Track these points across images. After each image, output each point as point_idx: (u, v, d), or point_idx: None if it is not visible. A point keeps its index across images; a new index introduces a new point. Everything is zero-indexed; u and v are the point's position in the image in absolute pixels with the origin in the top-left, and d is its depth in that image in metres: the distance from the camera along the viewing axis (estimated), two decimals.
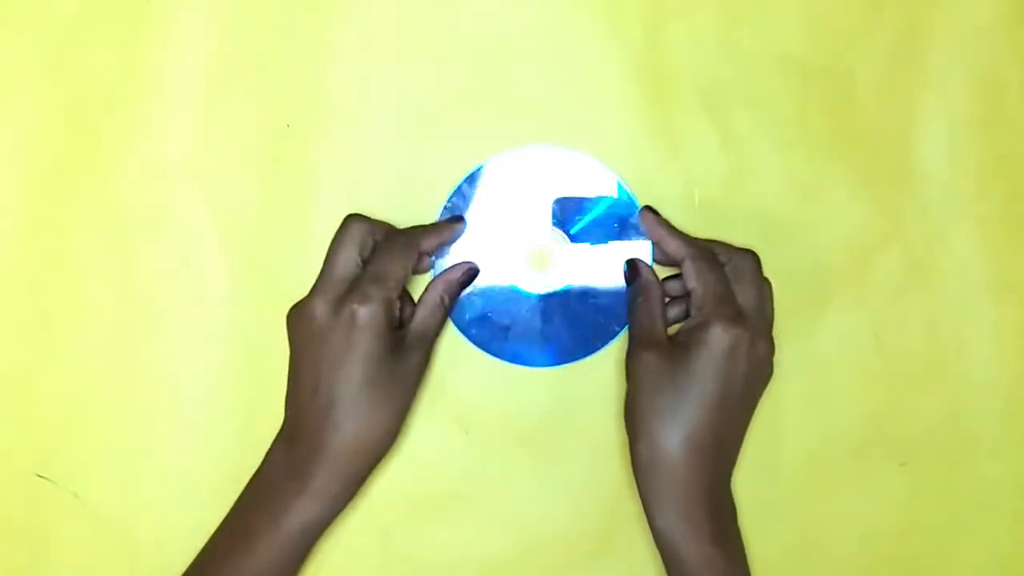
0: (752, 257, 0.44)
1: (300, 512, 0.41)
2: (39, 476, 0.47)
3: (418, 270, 0.47)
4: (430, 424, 0.48)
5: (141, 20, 0.48)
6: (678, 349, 0.42)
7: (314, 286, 0.43)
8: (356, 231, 0.43)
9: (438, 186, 0.48)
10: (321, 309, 0.42)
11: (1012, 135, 0.49)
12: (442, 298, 0.45)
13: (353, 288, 0.42)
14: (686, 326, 0.43)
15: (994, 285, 0.49)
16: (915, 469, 0.48)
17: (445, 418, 0.48)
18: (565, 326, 0.48)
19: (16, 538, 0.47)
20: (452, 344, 0.48)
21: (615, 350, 0.48)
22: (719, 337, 0.41)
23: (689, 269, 0.44)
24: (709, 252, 0.44)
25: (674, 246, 0.45)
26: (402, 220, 0.47)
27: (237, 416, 0.47)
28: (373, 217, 0.45)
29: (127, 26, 0.48)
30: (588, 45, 0.48)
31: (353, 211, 0.45)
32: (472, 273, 0.47)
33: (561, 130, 0.48)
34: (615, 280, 0.47)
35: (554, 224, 0.47)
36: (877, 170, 0.49)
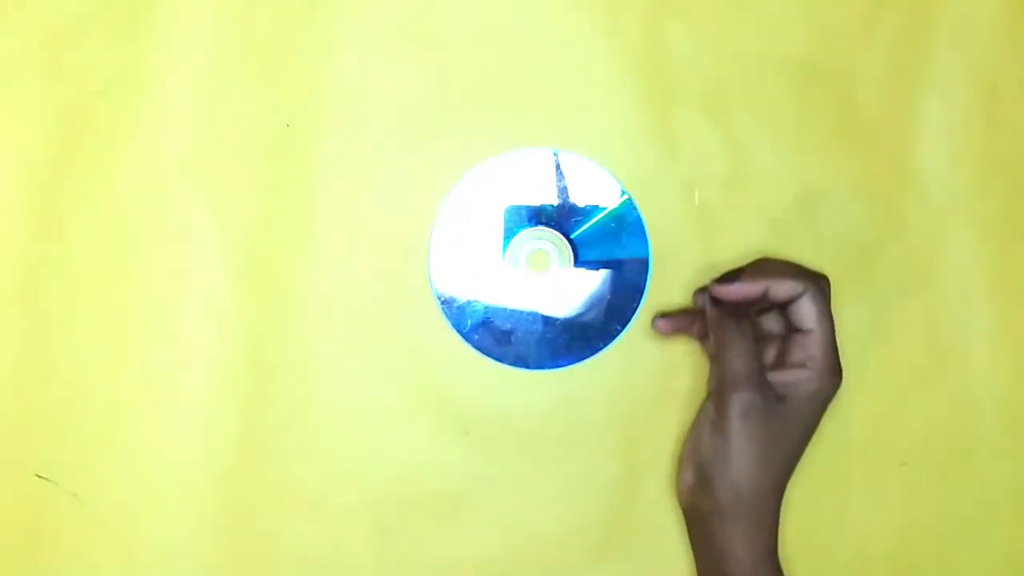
0: (828, 284, 0.43)
1: None
2: (39, 476, 0.47)
3: None
4: (430, 425, 0.48)
5: (141, 20, 0.48)
6: (781, 398, 0.41)
7: None
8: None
9: (438, 186, 0.48)
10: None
11: (1012, 135, 0.49)
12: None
13: None
14: (794, 376, 0.42)
15: (994, 285, 0.49)
16: (915, 469, 0.48)
17: (445, 419, 0.48)
18: (566, 328, 0.48)
19: (16, 538, 0.47)
20: (453, 347, 0.48)
21: (615, 351, 0.48)
22: (825, 391, 0.42)
23: (808, 308, 0.42)
24: (824, 282, 0.43)
25: (789, 287, 0.42)
26: (402, 220, 0.47)
27: (237, 416, 0.47)
28: (371, 217, 0.45)
29: (127, 26, 0.48)
30: (588, 45, 0.48)
31: (351, 212, 0.45)
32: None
33: (561, 130, 0.48)
34: (615, 281, 0.47)
35: (554, 227, 0.47)
36: (877, 170, 0.49)
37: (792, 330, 0.43)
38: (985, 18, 0.49)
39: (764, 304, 0.43)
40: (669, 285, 0.48)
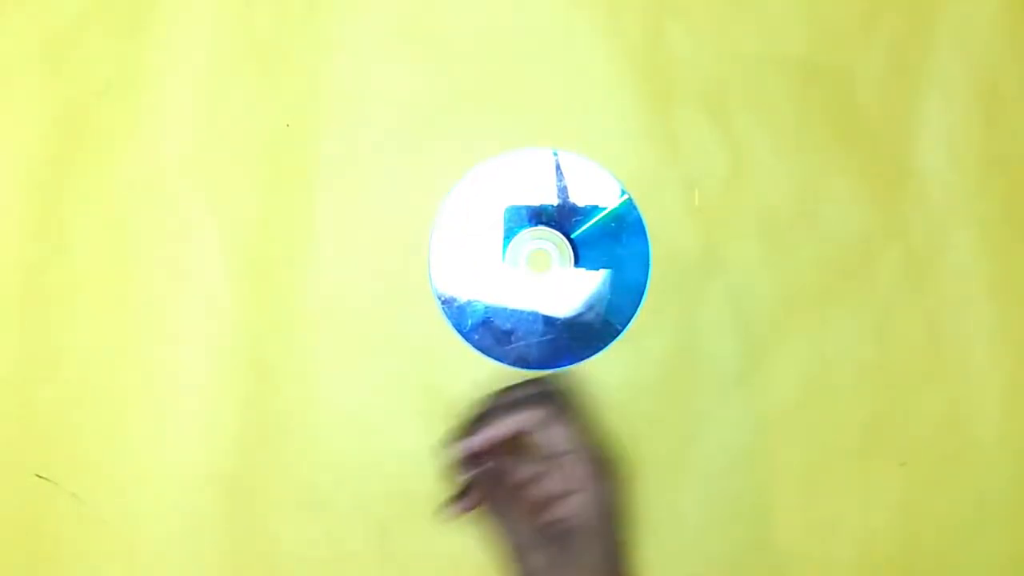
0: (550, 400, 0.43)
1: None
2: (39, 476, 0.47)
3: None
4: (430, 424, 0.48)
5: (141, 20, 0.48)
6: (566, 536, 0.41)
7: None
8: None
9: (438, 186, 0.48)
10: None
11: (1012, 135, 0.49)
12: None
13: None
14: (566, 508, 0.41)
15: (994, 285, 0.49)
16: (915, 469, 0.48)
17: (445, 418, 0.48)
18: (566, 328, 0.48)
19: (16, 538, 0.47)
20: (453, 347, 0.48)
21: (616, 351, 0.48)
22: (600, 499, 0.41)
23: (558, 432, 0.42)
24: (554, 393, 0.43)
25: (509, 424, 0.42)
26: (402, 220, 0.47)
27: (237, 416, 0.47)
28: (371, 217, 0.45)
29: (127, 26, 0.48)
30: (588, 45, 0.48)
31: (351, 212, 0.45)
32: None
33: (561, 130, 0.48)
34: (616, 281, 0.47)
35: (554, 227, 0.47)
36: (877, 170, 0.49)
37: (552, 458, 0.42)
38: (985, 18, 0.49)
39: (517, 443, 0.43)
40: (669, 285, 0.48)
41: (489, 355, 0.47)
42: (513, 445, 0.43)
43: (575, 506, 0.41)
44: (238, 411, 0.47)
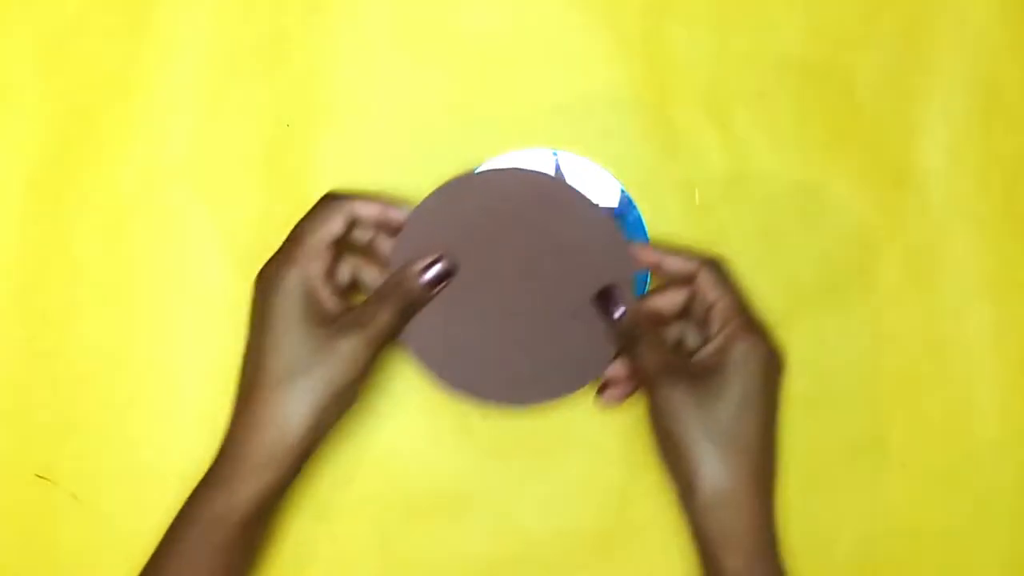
0: (721, 263, 0.43)
1: (204, 500, 0.40)
2: (39, 477, 0.47)
3: (371, 252, 0.43)
4: (432, 424, 0.48)
5: (141, 20, 0.48)
6: (712, 373, 0.40)
7: None
8: (324, 206, 0.42)
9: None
10: (260, 273, 0.41)
11: (1012, 134, 0.49)
12: (393, 291, 0.41)
13: (279, 253, 0.41)
14: (713, 346, 0.41)
15: (995, 285, 0.49)
16: (916, 470, 0.48)
17: (447, 418, 0.48)
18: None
19: (16, 539, 0.47)
20: None
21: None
22: (754, 354, 0.40)
23: (706, 280, 0.42)
24: (718, 260, 0.43)
25: (679, 262, 0.43)
26: None
27: None
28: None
29: (126, 25, 0.48)
30: (588, 45, 0.48)
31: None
32: (444, 270, 0.42)
33: (561, 130, 0.48)
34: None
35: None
36: (877, 170, 0.49)
37: (705, 310, 0.42)
38: (984, 17, 0.49)
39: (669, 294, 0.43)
40: None
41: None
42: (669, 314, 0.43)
43: (723, 346, 0.40)
44: None
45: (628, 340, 0.42)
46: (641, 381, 0.42)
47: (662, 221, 0.48)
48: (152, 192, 0.48)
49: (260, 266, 0.47)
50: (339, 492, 0.47)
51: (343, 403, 0.41)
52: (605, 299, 0.43)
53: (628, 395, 0.44)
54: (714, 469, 0.38)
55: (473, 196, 0.43)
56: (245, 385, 0.40)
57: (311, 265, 0.40)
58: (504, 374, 0.44)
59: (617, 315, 0.42)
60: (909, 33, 0.49)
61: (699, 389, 0.39)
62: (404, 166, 0.48)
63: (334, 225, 0.41)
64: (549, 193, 0.44)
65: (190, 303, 0.48)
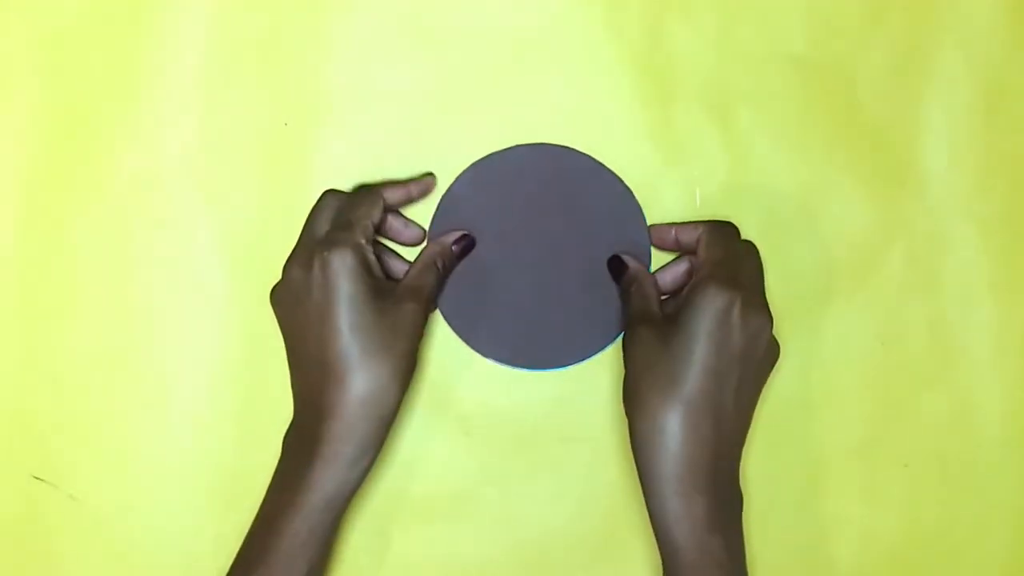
0: (727, 227, 0.45)
1: (318, 484, 0.40)
2: (36, 478, 0.47)
3: (401, 237, 0.47)
4: (431, 426, 0.48)
5: (140, 19, 0.48)
6: (670, 320, 0.41)
7: (289, 256, 0.44)
8: (332, 200, 0.45)
9: (437, 186, 0.48)
10: (296, 271, 0.42)
11: (1014, 134, 0.49)
12: (435, 260, 0.45)
13: (320, 244, 0.42)
14: (681, 295, 0.43)
15: (996, 285, 0.48)
16: (917, 470, 0.48)
17: (446, 420, 0.48)
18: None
19: (14, 540, 0.47)
20: (454, 347, 0.48)
21: (615, 351, 0.48)
22: (710, 297, 0.40)
23: (702, 241, 0.44)
24: (726, 225, 0.45)
25: (688, 231, 0.45)
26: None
27: (236, 416, 0.47)
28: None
29: (125, 25, 0.48)
30: (589, 44, 0.48)
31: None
32: (469, 243, 0.47)
33: (561, 129, 0.48)
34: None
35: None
36: (879, 169, 0.49)
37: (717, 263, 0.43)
38: (987, 17, 0.49)
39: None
40: None
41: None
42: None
43: (687, 299, 0.41)
44: (237, 412, 0.47)
45: (623, 296, 0.45)
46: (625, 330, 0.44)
47: (663, 221, 0.48)
48: (151, 191, 0.48)
49: (259, 266, 0.47)
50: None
51: (414, 371, 0.42)
52: (615, 266, 0.46)
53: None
54: (648, 409, 0.39)
55: (503, 171, 0.47)
56: (331, 367, 0.40)
57: (365, 247, 0.42)
58: (531, 338, 0.47)
59: (626, 274, 0.46)
60: (911, 33, 0.49)
61: (658, 334, 0.41)
62: (404, 166, 0.48)
63: (377, 210, 0.44)
64: (574, 166, 0.47)
65: (189, 303, 0.48)
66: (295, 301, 0.42)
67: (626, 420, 0.41)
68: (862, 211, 0.48)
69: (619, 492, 0.47)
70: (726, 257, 0.43)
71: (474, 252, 0.47)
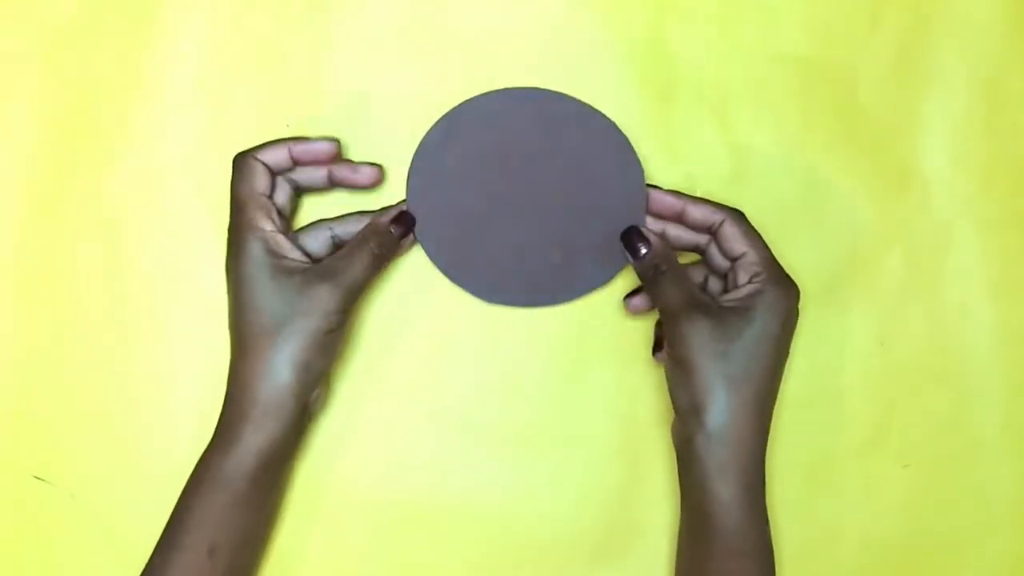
0: (744, 216, 0.44)
1: (215, 460, 0.42)
2: (37, 478, 0.47)
3: (355, 181, 0.46)
4: (429, 425, 0.47)
5: (140, 20, 0.48)
6: (735, 314, 0.41)
7: None
8: (239, 165, 0.44)
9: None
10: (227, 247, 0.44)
11: (1015, 135, 0.49)
12: (367, 241, 0.44)
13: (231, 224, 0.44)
14: (741, 292, 0.42)
15: (997, 286, 0.48)
16: (918, 471, 0.48)
17: (444, 419, 0.48)
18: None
19: (14, 540, 0.47)
20: (454, 347, 0.48)
21: (616, 351, 0.48)
22: (780, 303, 0.41)
23: (732, 233, 0.43)
24: (741, 213, 0.44)
25: (704, 211, 0.44)
26: None
27: None
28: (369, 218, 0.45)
29: (126, 26, 0.48)
30: (590, 44, 0.48)
31: (350, 212, 0.46)
32: (410, 221, 0.45)
33: None
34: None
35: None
36: (879, 170, 0.49)
37: (732, 260, 0.43)
38: (988, 18, 0.49)
39: (690, 243, 0.45)
40: None
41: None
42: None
43: (753, 292, 0.42)
44: None
45: (652, 276, 0.43)
46: (663, 315, 0.43)
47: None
48: (151, 192, 0.48)
49: None
50: (338, 494, 0.47)
51: (328, 350, 0.43)
52: (629, 239, 0.44)
53: (651, 308, 0.46)
54: (722, 402, 0.40)
55: (484, 118, 0.46)
56: (233, 347, 0.43)
57: (261, 222, 0.42)
58: (528, 277, 0.47)
59: (642, 253, 0.44)
60: (913, 33, 0.49)
61: (721, 327, 0.41)
62: (403, 166, 0.48)
63: (259, 181, 0.43)
64: (560, 110, 0.46)
65: (189, 303, 0.48)
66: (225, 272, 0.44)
67: (671, 404, 0.42)
68: (863, 211, 0.48)
69: (620, 494, 0.47)
70: (771, 254, 0.43)
71: (460, 198, 0.46)
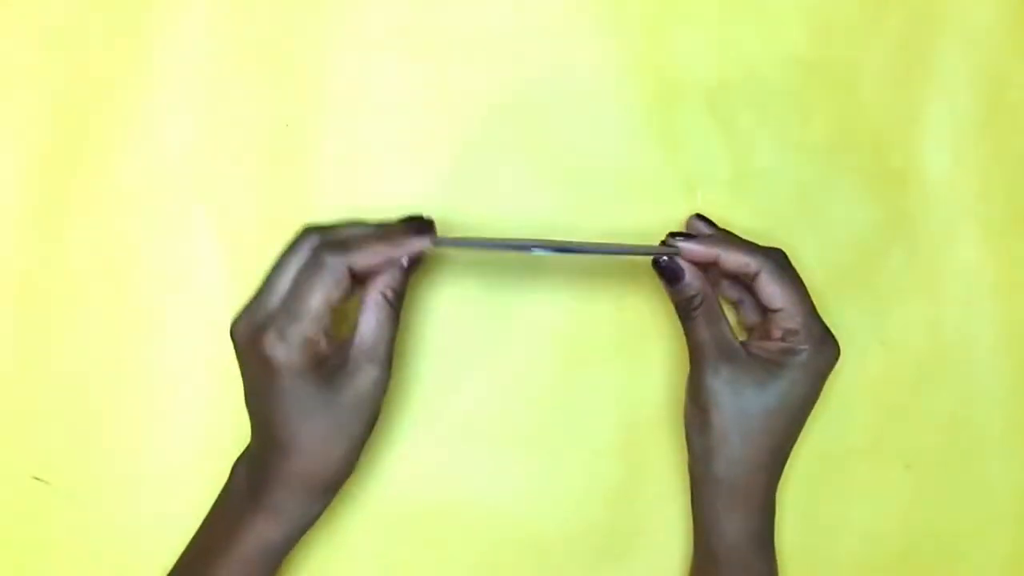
0: (785, 257, 0.42)
1: (257, 530, 0.39)
2: (36, 479, 0.47)
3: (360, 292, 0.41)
4: (430, 425, 0.47)
5: (140, 19, 0.48)
6: (763, 366, 0.40)
7: (249, 301, 0.40)
8: (305, 246, 0.39)
9: (437, 185, 0.48)
10: (242, 333, 0.39)
11: (1016, 135, 0.49)
12: (383, 295, 0.39)
13: (270, 320, 0.38)
14: (773, 346, 0.41)
15: (998, 286, 0.48)
16: (920, 471, 0.48)
17: (445, 420, 0.48)
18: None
19: (13, 541, 0.47)
20: (454, 347, 0.48)
21: (616, 351, 0.48)
22: (815, 363, 0.40)
23: (769, 286, 0.40)
24: (782, 258, 0.41)
25: (738, 260, 0.41)
26: None
27: (235, 418, 0.47)
28: (370, 217, 0.44)
29: (125, 25, 0.48)
30: (590, 45, 0.48)
31: (351, 212, 0.44)
32: (414, 255, 0.40)
33: (562, 130, 0.48)
34: None
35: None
36: (880, 170, 0.49)
37: (767, 311, 0.41)
38: (989, 17, 0.49)
39: (721, 278, 0.43)
40: None
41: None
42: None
43: (788, 350, 0.40)
44: (236, 413, 0.47)
45: (686, 309, 0.42)
46: (690, 351, 0.42)
47: (664, 221, 0.47)
48: (151, 192, 0.48)
49: (259, 266, 0.47)
50: (338, 493, 0.47)
51: (373, 428, 0.40)
52: (666, 267, 0.42)
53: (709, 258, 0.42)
54: (735, 453, 0.40)
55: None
56: (276, 442, 0.39)
57: (316, 334, 0.38)
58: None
59: (678, 283, 0.42)
60: (913, 33, 0.49)
61: (745, 376, 0.40)
62: (404, 167, 0.48)
63: (336, 291, 0.38)
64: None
65: (189, 303, 0.48)
66: (242, 359, 0.39)
67: (686, 442, 0.42)
68: (863, 212, 0.48)
69: (622, 495, 0.47)
70: (810, 303, 0.41)
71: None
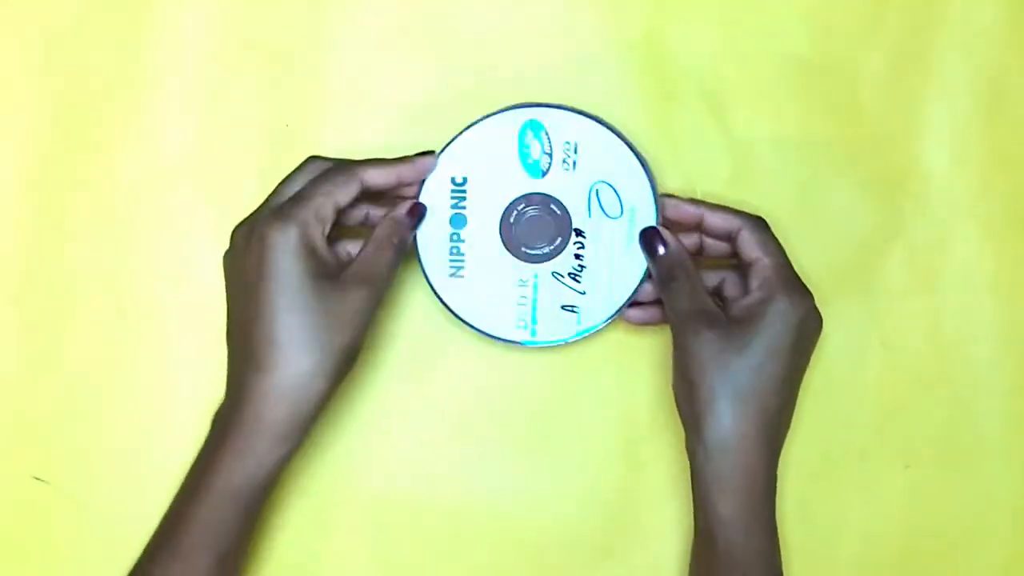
0: (767, 224, 0.43)
1: (224, 474, 0.38)
2: (36, 479, 0.47)
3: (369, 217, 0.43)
4: (429, 424, 0.47)
5: (140, 19, 0.48)
6: (742, 325, 0.40)
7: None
8: (311, 168, 0.41)
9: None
10: (239, 237, 0.39)
11: (1015, 135, 0.49)
12: (389, 238, 0.41)
13: (273, 209, 0.39)
14: (750, 300, 0.41)
15: (998, 286, 0.48)
16: (919, 471, 0.48)
17: (445, 419, 0.48)
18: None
19: (13, 541, 0.47)
20: (454, 347, 0.48)
21: (616, 352, 0.48)
22: (791, 311, 0.40)
23: (749, 240, 0.41)
24: (762, 220, 0.42)
25: (722, 219, 0.42)
26: None
27: None
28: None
29: (126, 25, 0.48)
30: (589, 45, 0.48)
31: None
32: (420, 210, 0.43)
33: None
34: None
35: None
36: (880, 170, 0.48)
37: (745, 266, 0.42)
38: (988, 18, 0.49)
39: (705, 249, 0.44)
40: None
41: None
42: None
43: (763, 299, 0.40)
44: None
45: (667, 279, 0.42)
46: (671, 323, 0.42)
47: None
48: (151, 192, 0.48)
49: None
50: (338, 494, 0.47)
51: (352, 363, 0.40)
52: (648, 238, 0.43)
53: (653, 321, 0.45)
54: (722, 418, 0.39)
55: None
56: (253, 349, 0.38)
57: (312, 225, 0.39)
58: None
59: (661, 253, 0.42)
60: (913, 33, 0.49)
61: (726, 339, 0.39)
62: None
63: (344, 191, 0.40)
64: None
65: (189, 303, 0.48)
66: (234, 270, 0.40)
67: (678, 416, 0.41)
68: (863, 212, 0.48)
69: (621, 493, 0.47)
70: (785, 261, 0.41)
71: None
